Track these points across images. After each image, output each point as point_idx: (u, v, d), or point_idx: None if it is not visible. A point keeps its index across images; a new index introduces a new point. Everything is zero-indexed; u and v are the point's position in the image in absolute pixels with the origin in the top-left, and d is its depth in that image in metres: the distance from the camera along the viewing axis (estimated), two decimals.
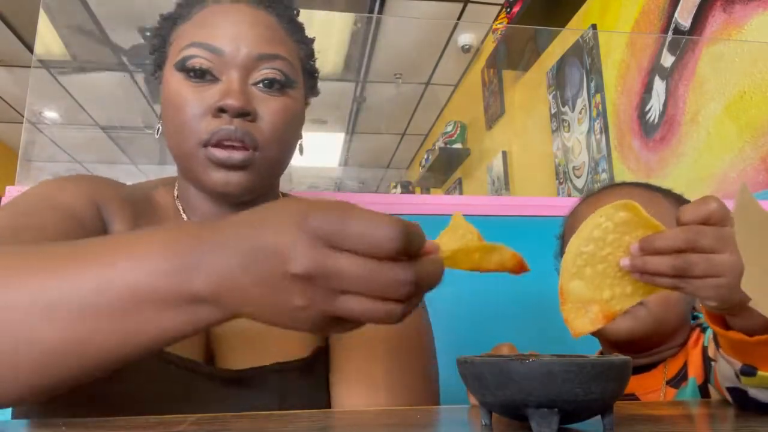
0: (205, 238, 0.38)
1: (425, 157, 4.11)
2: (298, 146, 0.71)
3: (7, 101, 4.36)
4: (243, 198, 0.65)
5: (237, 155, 0.61)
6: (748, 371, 0.45)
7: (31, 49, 3.44)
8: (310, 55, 0.72)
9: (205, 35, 0.63)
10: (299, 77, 0.68)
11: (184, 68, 0.62)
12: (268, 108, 0.63)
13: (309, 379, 0.61)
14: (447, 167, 3.98)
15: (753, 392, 0.46)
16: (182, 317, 0.38)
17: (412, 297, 0.36)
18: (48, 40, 3.00)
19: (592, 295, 0.43)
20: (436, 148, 3.83)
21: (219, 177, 0.61)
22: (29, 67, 3.64)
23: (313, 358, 0.61)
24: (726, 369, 0.48)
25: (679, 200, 0.76)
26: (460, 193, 3.95)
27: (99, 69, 3.56)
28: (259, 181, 0.64)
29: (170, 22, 0.68)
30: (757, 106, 1.56)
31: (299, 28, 0.70)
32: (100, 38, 3.20)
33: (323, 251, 0.34)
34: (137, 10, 3.02)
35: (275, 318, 0.37)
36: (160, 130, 0.68)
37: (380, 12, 3.23)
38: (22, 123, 4.31)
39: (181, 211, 0.70)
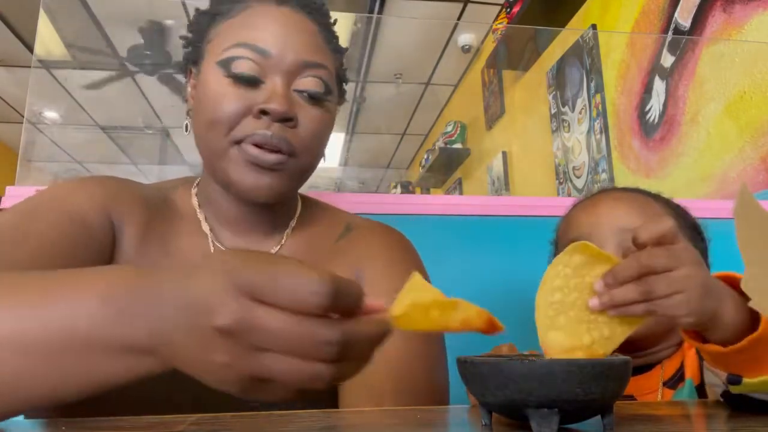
0: (141, 288, 0.37)
1: (425, 157, 4.11)
2: None
3: (7, 101, 4.36)
4: (269, 201, 0.64)
5: (271, 156, 0.61)
6: (734, 380, 0.46)
7: (31, 49, 3.44)
8: (342, 63, 0.73)
9: (252, 36, 0.62)
10: (335, 87, 0.68)
11: (227, 67, 0.61)
12: (308, 116, 0.63)
13: (314, 393, 0.59)
14: (447, 167, 3.98)
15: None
16: (121, 365, 0.37)
17: (345, 359, 0.34)
18: (48, 40, 3.00)
19: (572, 342, 0.44)
20: (436, 148, 3.83)
21: (250, 178, 0.61)
22: (29, 67, 3.64)
23: None
24: (715, 380, 0.49)
25: (667, 203, 0.76)
26: (460, 193, 3.95)
27: (99, 69, 3.56)
28: (288, 186, 0.64)
29: (208, 18, 0.67)
30: (757, 106, 1.56)
31: (335, 37, 0.70)
32: (100, 38, 3.20)
33: (247, 304, 0.33)
34: (137, 10, 3.02)
35: (203, 375, 0.35)
36: (188, 126, 0.67)
37: (380, 12, 3.23)
38: (22, 123, 4.31)
39: (197, 210, 0.70)
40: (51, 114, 3.92)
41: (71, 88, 3.76)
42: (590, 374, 0.36)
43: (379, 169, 5.40)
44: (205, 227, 0.68)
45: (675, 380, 0.69)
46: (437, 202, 1.14)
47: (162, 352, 0.36)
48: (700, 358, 0.67)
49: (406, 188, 4.55)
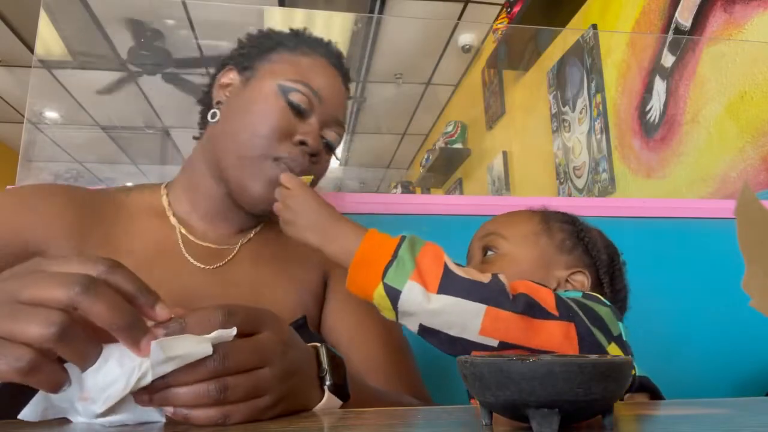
0: None
1: (426, 157, 4.11)
2: None
3: (7, 101, 4.36)
4: (262, 216, 0.76)
5: None
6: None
7: (31, 49, 3.44)
8: None
9: (312, 81, 0.74)
10: None
11: (286, 93, 0.72)
12: (323, 160, 0.77)
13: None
14: (447, 167, 3.98)
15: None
16: None
17: None
18: (48, 40, 3.00)
19: None
20: (437, 148, 3.83)
21: (263, 192, 0.70)
22: (29, 67, 3.64)
23: (296, 325, 0.66)
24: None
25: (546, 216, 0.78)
26: (461, 193, 3.95)
27: (99, 69, 3.56)
28: None
29: (273, 42, 0.77)
30: (757, 106, 1.56)
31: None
32: (100, 38, 3.20)
33: None
34: (137, 10, 3.02)
35: None
36: (216, 115, 0.74)
37: (380, 12, 3.23)
38: (22, 123, 4.31)
39: (166, 208, 0.75)
40: (51, 114, 3.92)
41: (71, 88, 3.76)
42: (591, 374, 0.36)
43: (379, 169, 5.40)
44: (174, 221, 0.75)
45: None
46: (437, 202, 1.14)
47: None
48: None
49: (407, 188, 4.55)
